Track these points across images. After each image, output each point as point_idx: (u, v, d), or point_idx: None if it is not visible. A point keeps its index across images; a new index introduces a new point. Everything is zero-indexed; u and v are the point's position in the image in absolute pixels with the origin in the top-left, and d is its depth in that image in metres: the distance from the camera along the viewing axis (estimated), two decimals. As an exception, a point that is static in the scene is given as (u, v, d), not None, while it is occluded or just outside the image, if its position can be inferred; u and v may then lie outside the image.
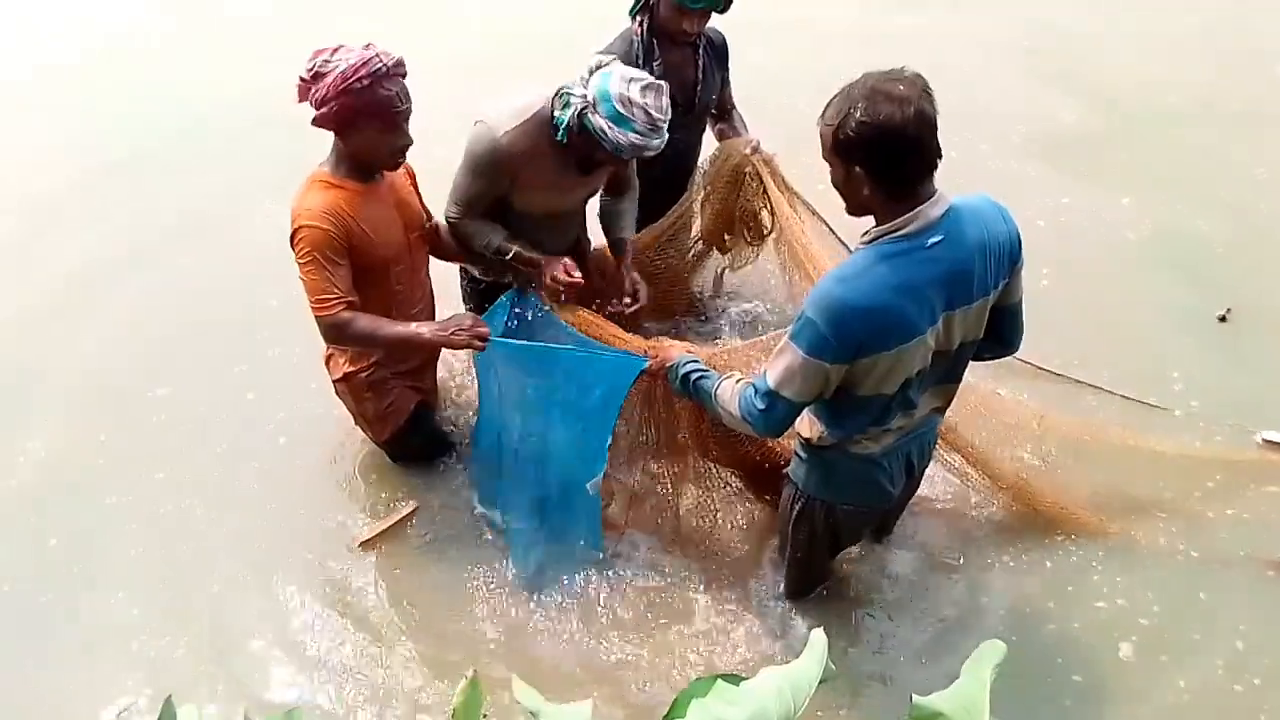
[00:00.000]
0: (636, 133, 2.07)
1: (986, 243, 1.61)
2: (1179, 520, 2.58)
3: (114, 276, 3.68)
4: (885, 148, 1.50)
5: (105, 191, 4.23)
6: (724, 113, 2.91)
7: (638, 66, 2.59)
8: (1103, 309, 3.35)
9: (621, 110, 2.04)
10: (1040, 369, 3.00)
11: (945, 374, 1.82)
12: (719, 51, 2.79)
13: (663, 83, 2.13)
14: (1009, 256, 1.67)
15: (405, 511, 2.65)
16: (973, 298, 1.65)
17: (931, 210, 1.56)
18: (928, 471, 2.19)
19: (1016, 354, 1.95)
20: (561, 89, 2.14)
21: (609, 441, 2.29)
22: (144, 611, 2.46)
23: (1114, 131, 4.47)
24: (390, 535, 2.62)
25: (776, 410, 1.72)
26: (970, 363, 1.87)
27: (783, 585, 2.41)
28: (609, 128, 2.06)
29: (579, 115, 2.09)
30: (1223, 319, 3.29)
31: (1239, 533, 2.54)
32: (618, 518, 2.58)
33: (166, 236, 3.90)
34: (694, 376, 1.96)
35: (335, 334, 2.19)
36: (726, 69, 2.84)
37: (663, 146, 2.14)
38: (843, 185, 1.61)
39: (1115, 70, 4.97)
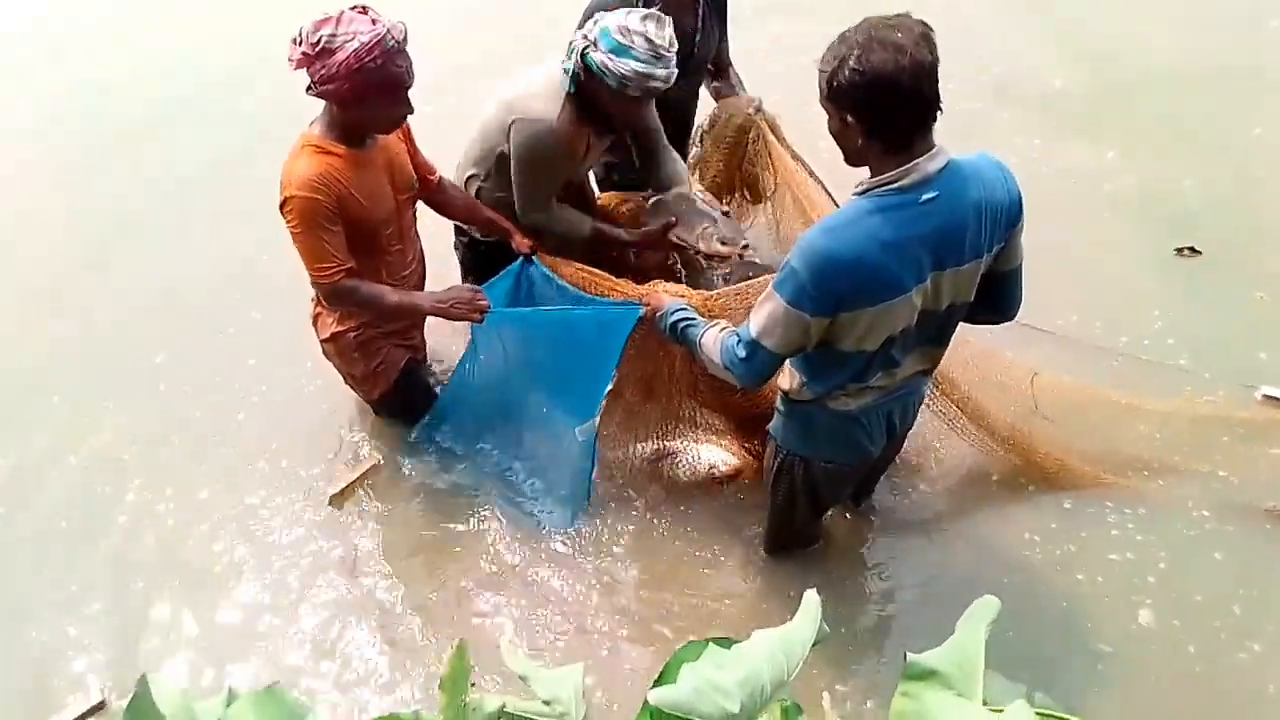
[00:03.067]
0: (638, 60, 2.03)
1: (984, 203, 1.55)
2: (1178, 475, 2.57)
3: (106, 244, 3.66)
4: (878, 98, 1.43)
5: (94, 161, 4.17)
6: (721, 70, 2.83)
7: (637, 9, 2.51)
8: (1083, 258, 3.32)
9: (621, 40, 2.02)
10: (1035, 328, 2.95)
11: (933, 336, 1.77)
12: (718, 2, 2.70)
13: (666, 16, 2.09)
14: (1007, 219, 1.61)
15: (369, 464, 2.64)
16: (964, 259, 1.59)
17: (928, 164, 1.49)
18: (921, 428, 2.16)
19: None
20: (570, 41, 2.11)
21: (606, 389, 2.29)
22: (115, 584, 2.44)
23: (1106, 88, 4.38)
24: (358, 489, 2.59)
25: (757, 359, 1.70)
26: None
27: (765, 539, 2.40)
28: (610, 60, 2.04)
29: (582, 56, 2.07)
30: (1179, 252, 3.33)
31: (1239, 486, 2.53)
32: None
33: (160, 202, 3.88)
34: (681, 325, 1.95)
35: (336, 300, 2.21)
36: (725, 22, 2.76)
37: (671, 78, 2.09)
38: (838, 134, 1.55)
39: (1110, 28, 4.85)
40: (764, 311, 1.64)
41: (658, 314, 2.03)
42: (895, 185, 1.50)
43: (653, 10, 2.08)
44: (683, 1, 2.57)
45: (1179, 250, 3.34)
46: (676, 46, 2.09)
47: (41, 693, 2.21)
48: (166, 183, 4.00)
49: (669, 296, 2.07)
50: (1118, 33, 4.78)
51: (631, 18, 2.04)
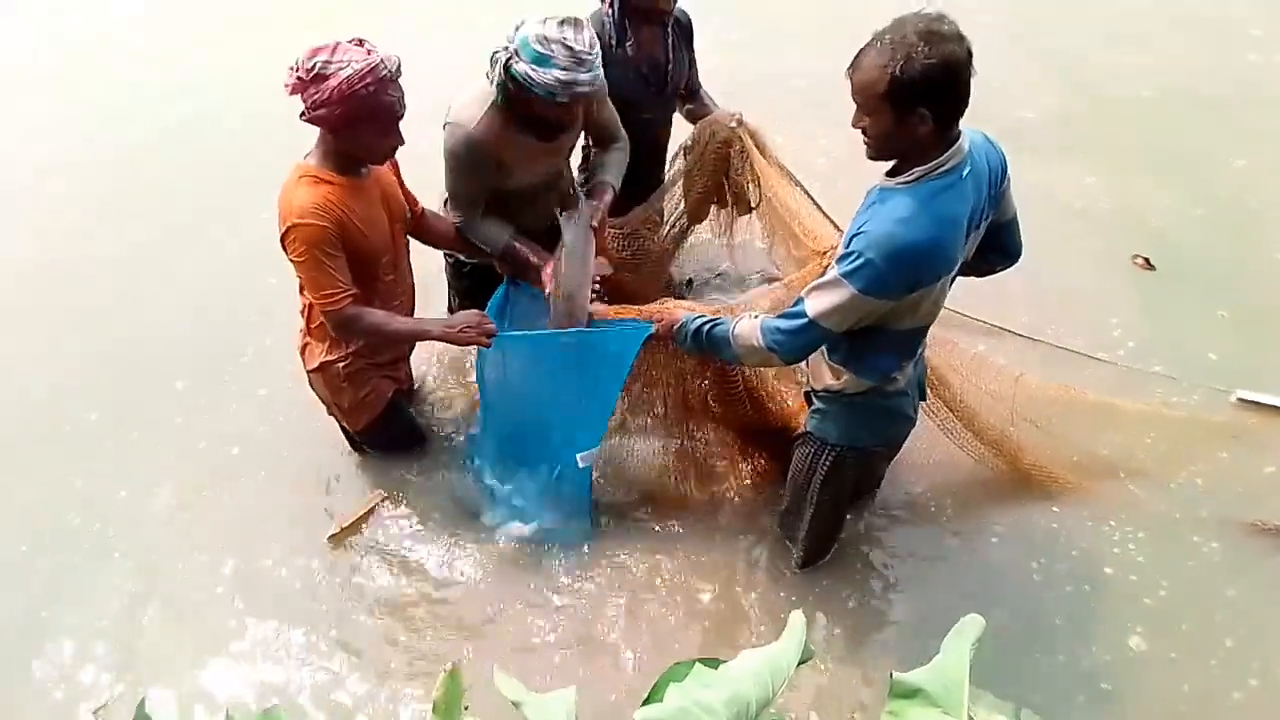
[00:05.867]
0: (561, 68, 2.02)
1: (990, 168, 1.70)
2: (1162, 485, 2.60)
3: (114, 269, 3.68)
4: (952, 84, 1.53)
5: (100, 187, 4.21)
6: (692, 93, 2.89)
7: (610, 46, 2.57)
8: (1054, 274, 3.34)
9: (540, 50, 2.02)
10: (1020, 335, 3.04)
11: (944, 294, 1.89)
12: (685, 30, 2.78)
13: (582, 18, 2.09)
14: (1001, 178, 1.76)
15: (372, 504, 2.63)
16: (982, 222, 1.74)
17: (964, 143, 1.63)
18: (918, 442, 2.27)
19: (988, 320, 1.99)
20: (493, 52, 2.12)
21: (610, 414, 2.32)
22: (117, 611, 2.43)
23: (1087, 114, 4.45)
24: (361, 528, 2.60)
25: (808, 337, 1.77)
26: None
27: (799, 554, 2.39)
28: (533, 71, 2.03)
29: (505, 68, 2.07)
30: (1135, 260, 3.49)
31: (1224, 498, 2.57)
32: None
33: (167, 231, 3.91)
34: (706, 327, 1.97)
35: (346, 328, 2.20)
36: (692, 48, 2.83)
37: (596, 82, 2.09)
38: (892, 131, 1.60)
39: (1092, 55, 4.92)
40: (828, 299, 1.69)
41: (675, 328, 2.04)
42: (946, 167, 1.61)
43: (571, 16, 2.07)
44: (652, 35, 2.65)
45: (1135, 258, 3.49)
46: (598, 48, 2.08)
47: (37, 718, 2.21)
48: (178, 211, 4.04)
49: (683, 310, 2.09)
50: (1097, 61, 4.85)
51: (549, 25, 2.03)
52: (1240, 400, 2.81)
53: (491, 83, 2.14)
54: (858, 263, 1.63)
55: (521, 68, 2.04)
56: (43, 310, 3.52)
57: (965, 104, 1.58)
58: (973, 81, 1.54)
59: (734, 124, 2.71)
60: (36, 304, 3.55)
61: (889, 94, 1.54)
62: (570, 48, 2.02)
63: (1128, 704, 2.16)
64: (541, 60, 2.02)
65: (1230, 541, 2.47)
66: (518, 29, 2.07)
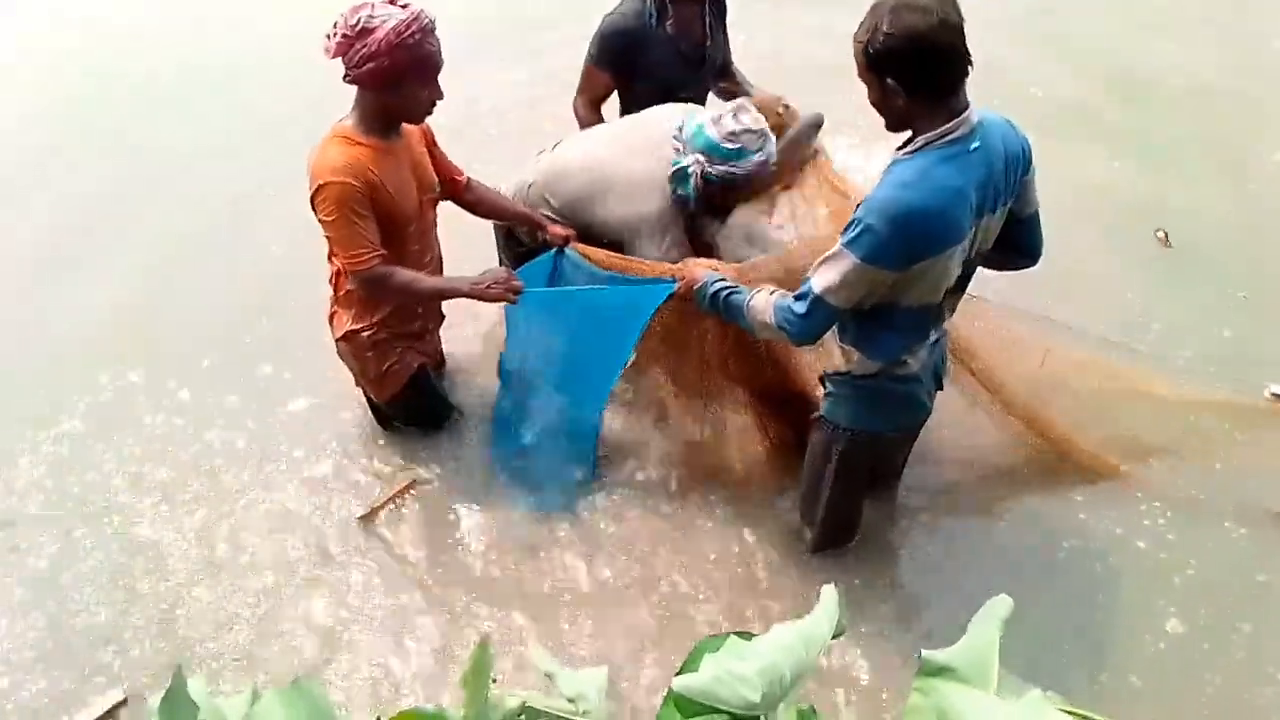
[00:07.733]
0: (755, 151, 2.19)
1: (1007, 151, 1.68)
2: (1185, 467, 2.60)
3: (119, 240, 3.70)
4: (915, 57, 1.54)
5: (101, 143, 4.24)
6: (725, 71, 2.89)
7: (650, 25, 2.61)
8: (1073, 259, 3.29)
9: (732, 145, 2.17)
10: (1047, 318, 2.98)
11: (963, 282, 1.87)
12: (720, 9, 2.79)
13: (742, 100, 2.24)
14: (1022, 166, 1.74)
15: (403, 484, 2.65)
16: (997, 206, 1.72)
17: (972, 117, 1.62)
18: (947, 418, 2.30)
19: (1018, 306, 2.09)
20: (672, 170, 2.24)
21: (622, 367, 2.40)
22: (144, 583, 2.47)
23: (1114, 101, 4.38)
24: (390, 507, 2.62)
25: (817, 315, 1.76)
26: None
27: (811, 539, 2.40)
28: (733, 167, 2.18)
29: (702, 178, 2.20)
30: (1157, 234, 3.50)
31: (1246, 482, 2.56)
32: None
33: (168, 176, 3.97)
34: (724, 293, 1.98)
35: (374, 287, 2.22)
36: (726, 26, 2.83)
37: (775, 149, 2.26)
38: (879, 102, 1.65)
39: (1119, 42, 4.85)
40: (832, 271, 1.70)
41: (695, 287, 2.05)
42: (951, 137, 1.61)
43: (733, 104, 2.21)
44: (690, 15, 2.66)
45: (1157, 232, 3.50)
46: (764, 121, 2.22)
47: (64, 691, 2.25)
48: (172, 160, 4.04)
49: (704, 270, 2.09)
50: (1125, 49, 4.78)
51: (726, 121, 2.17)
52: (1273, 395, 2.78)
53: (686, 198, 2.25)
54: (858, 230, 1.64)
55: (718, 169, 2.18)
56: (67, 303, 3.53)
57: (941, 75, 1.57)
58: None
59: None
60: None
61: (865, 66, 1.60)
62: (753, 131, 2.19)
63: (1158, 692, 2.15)
64: (738, 154, 2.18)
65: (1257, 529, 2.46)
66: (679, 137, 2.23)
